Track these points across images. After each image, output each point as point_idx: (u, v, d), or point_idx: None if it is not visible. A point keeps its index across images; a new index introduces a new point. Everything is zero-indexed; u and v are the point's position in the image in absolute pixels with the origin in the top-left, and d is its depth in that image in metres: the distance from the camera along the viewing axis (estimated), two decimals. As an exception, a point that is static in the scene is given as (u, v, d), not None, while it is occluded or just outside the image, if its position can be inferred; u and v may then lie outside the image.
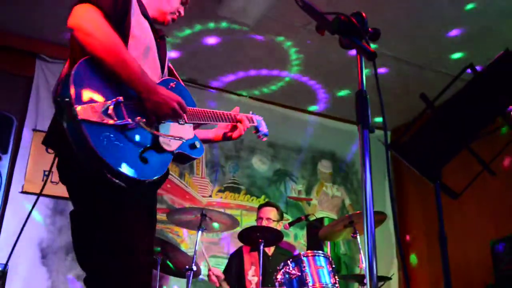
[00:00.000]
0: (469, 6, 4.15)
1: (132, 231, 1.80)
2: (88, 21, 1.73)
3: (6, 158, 3.62)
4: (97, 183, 1.71)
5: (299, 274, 3.29)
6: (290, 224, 4.35)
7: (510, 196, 4.84)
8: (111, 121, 1.65)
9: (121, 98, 1.72)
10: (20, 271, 4.14)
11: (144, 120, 1.77)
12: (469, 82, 1.43)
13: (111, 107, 1.67)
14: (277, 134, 5.76)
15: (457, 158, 1.73)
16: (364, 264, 3.74)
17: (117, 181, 1.70)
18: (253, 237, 3.59)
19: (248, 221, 4.97)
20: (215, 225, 3.65)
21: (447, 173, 1.91)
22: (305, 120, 6.02)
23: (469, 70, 1.48)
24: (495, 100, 1.46)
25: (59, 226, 4.52)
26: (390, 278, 4.37)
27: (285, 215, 5.22)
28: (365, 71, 1.38)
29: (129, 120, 1.70)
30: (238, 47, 4.84)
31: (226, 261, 4.42)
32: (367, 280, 1.35)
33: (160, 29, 2.16)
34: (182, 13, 2.20)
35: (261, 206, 4.40)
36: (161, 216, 4.87)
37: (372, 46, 1.34)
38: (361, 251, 3.79)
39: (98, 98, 1.66)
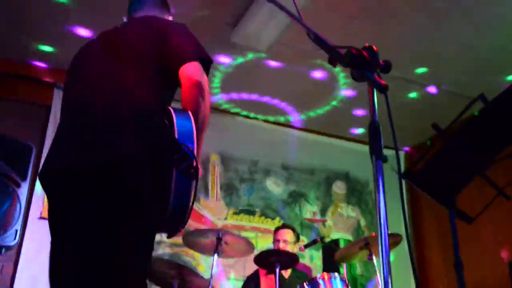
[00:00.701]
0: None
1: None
2: (206, 85, 1.87)
3: (25, 185, 3.67)
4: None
5: (316, 297, 3.29)
6: (306, 246, 4.33)
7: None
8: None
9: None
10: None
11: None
12: (481, 111, 1.44)
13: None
14: (292, 156, 5.79)
15: (471, 183, 1.74)
16: (380, 286, 3.72)
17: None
18: (269, 260, 3.58)
19: (263, 243, 4.97)
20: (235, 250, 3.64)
21: (462, 197, 1.91)
22: (319, 142, 6.03)
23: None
24: (507, 128, 1.47)
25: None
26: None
27: (303, 239, 5.22)
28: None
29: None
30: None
31: (240, 282, 4.42)
32: None
33: None
34: None
35: (277, 229, 4.40)
36: (177, 239, 4.90)
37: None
38: (377, 273, 3.78)
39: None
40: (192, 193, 1.69)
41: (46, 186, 1.80)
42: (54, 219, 1.81)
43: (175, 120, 1.71)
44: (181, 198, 1.69)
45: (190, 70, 1.85)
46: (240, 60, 4.68)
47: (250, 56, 4.59)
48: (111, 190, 1.69)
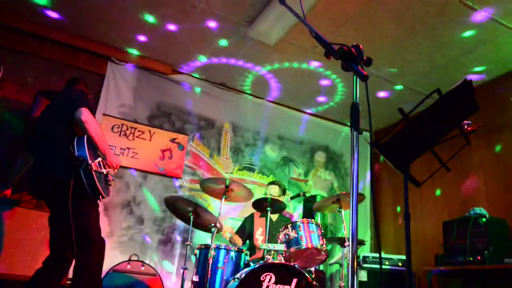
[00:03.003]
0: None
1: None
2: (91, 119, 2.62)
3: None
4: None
5: (296, 235, 3.35)
6: (291, 198, 4.42)
7: (459, 188, 4.86)
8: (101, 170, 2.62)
9: (100, 158, 2.63)
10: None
11: (108, 169, 2.72)
12: (436, 102, 1.47)
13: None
14: (286, 129, 5.83)
15: (422, 156, 1.78)
16: (346, 231, 3.80)
17: (100, 197, 2.62)
18: (263, 205, 3.65)
19: (259, 193, 5.04)
20: (238, 196, 3.70)
21: (414, 166, 1.96)
22: (308, 119, 6.05)
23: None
24: (454, 116, 1.50)
25: (117, 188, 4.63)
26: (364, 243, 4.43)
27: (287, 191, 5.29)
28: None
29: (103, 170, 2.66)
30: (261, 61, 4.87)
31: (240, 221, 4.51)
32: (349, 242, 1.40)
33: None
34: None
35: (268, 184, 4.48)
36: (195, 185, 4.98)
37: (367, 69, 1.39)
38: (344, 222, 3.84)
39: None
40: (94, 177, 2.48)
41: None
42: None
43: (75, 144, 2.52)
44: (90, 182, 2.47)
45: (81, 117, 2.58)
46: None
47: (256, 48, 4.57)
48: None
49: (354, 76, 1.44)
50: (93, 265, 2.41)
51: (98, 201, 2.65)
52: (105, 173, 2.61)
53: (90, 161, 2.42)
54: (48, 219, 2.57)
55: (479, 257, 3.81)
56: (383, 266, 4.61)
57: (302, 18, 1.66)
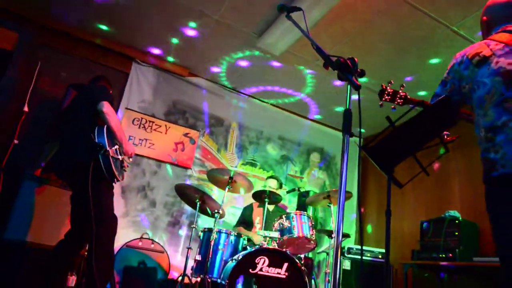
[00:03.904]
0: (433, 60, 4.12)
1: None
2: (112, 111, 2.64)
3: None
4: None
5: (289, 225, 3.35)
6: (288, 192, 4.40)
7: (437, 191, 4.83)
8: (118, 156, 2.63)
9: (117, 146, 2.64)
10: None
11: (123, 156, 2.73)
12: (420, 112, 1.46)
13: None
14: (286, 131, 5.81)
15: (405, 161, 1.77)
16: (334, 224, 3.80)
17: (115, 180, 2.62)
18: (262, 197, 3.65)
19: (259, 186, 5.03)
20: (240, 188, 3.69)
21: (397, 170, 1.95)
22: (306, 124, 6.03)
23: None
24: (435, 126, 1.49)
25: (135, 174, 4.64)
26: (349, 236, 4.42)
27: (284, 185, 5.29)
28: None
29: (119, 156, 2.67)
30: (266, 70, 4.86)
31: (240, 210, 4.51)
32: (335, 234, 1.40)
33: None
34: None
35: (267, 178, 4.47)
36: (203, 175, 4.98)
37: (360, 80, 1.39)
38: (333, 216, 3.84)
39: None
40: (111, 162, 2.50)
41: None
42: None
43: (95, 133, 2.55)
44: (107, 166, 2.49)
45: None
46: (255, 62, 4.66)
47: (263, 57, 4.56)
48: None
49: (348, 86, 1.43)
50: (107, 239, 2.43)
51: (113, 184, 2.66)
52: (120, 159, 2.64)
53: (108, 148, 2.44)
54: (70, 197, 2.58)
55: (450, 254, 3.79)
56: (365, 258, 4.59)
57: (306, 32, 1.65)
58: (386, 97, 1.82)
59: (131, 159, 2.85)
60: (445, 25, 3.54)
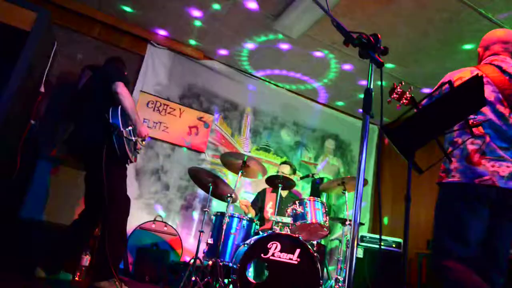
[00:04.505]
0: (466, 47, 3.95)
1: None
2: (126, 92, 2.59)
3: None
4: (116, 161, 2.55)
5: (302, 211, 3.30)
6: (301, 178, 4.34)
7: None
8: (131, 137, 2.59)
9: (131, 127, 2.59)
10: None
11: (137, 137, 2.67)
12: (446, 94, 1.37)
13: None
14: (301, 117, 5.72)
15: (422, 148, 1.68)
16: (349, 212, 3.73)
17: (128, 161, 2.58)
18: (275, 182, 3.60)
19: (273, 172, 4.99)
20: (253, 172, 3.63)
21: (416, 154, 1.86)
22: (321, 110, 5.92)
23: (447, 86, 1.42)
24: (462, 108, 1.40)
25: (149, 157, 4.65)
26: (363, 224, 4.34)
27: (297, 172, 5.22)
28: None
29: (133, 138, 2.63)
30: (281, 54, 4.75)
31: (253, 195, 4.48)
32: (352, 222, 1.34)
33: None
34: None
35: (280, 163, 4.41)
36: (216, 160, 4.96)
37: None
38: (347, 203, 3.77)
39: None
40: (124, 142, 2.47)
41: None
42: None
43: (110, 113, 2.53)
44: (120, 146, 2.45)
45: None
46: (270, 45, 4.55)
47: (280, 40, 4.45)
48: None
49: (370, 64, 1.35)
50: (119, 219, 2.42)
51: (126, 165, 2.65)
52: (134, 140, 2.61)
53: (121, 128, 2.41)
54: (84, 177, 2.58)
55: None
56: (378, 246, 4.52)
57: (326, 8, 1.56)
58: (395, 95, 1.79)
59: (144, 142, 2.82)
60: (471, 7, 3.36)
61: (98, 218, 2.50)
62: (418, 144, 1.44)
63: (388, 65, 4.49)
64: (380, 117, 1.35)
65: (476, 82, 1.31)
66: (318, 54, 4.59)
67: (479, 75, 1.31)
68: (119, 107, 2.51)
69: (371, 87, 1.31)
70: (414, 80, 4.72)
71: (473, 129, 1.65)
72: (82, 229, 2.47)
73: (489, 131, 1.72)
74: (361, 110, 5.77)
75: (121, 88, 2.49)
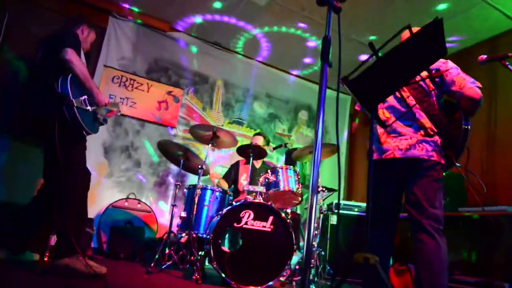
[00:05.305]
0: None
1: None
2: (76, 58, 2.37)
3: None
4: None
5: (275, 179, 3.27)
6: (274, 148, 4.29)
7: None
8: (86, 107, 2.42)
9: (85, 96, 2.43)
10: (90, 162, 4.17)
11: (95, 107, 2.50)
12: (406, 39, 1.32)
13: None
14: (273, 89, 5.64)
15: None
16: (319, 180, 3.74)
17: (84, 132, 2.44)
18: (246, 152, 3.55)
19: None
20: (224, 140, 3.56)
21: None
22: (294, 81, 5.85)
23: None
24: (423, 56, 1.36)
25: (117, 134, 4.50)
26: (336, 190, 4.38)
27: (271, 144, 5.19)
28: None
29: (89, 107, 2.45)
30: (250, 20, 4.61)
31: (227, 168, 4.44)
32: (310, 188, 1.31)
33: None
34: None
35: (253, 135, 4.36)
36: (188, 135, 4.85)
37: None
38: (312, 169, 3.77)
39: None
40: (76, 113, 2.30)
41: None
42: None
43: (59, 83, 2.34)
44: (72, 117, 2.30)
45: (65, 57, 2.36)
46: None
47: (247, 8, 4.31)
48: None
49: (330, 12, 1.28)
50: (76, 192, 2.31)
51: (84, 137, 2.51)
52: (90, 110, 2.45)
53: (71, 98, 2.27)
54: (43, 152, 2.44)
55: (436, 206, 3.78)
56: (352, 212, 4.60)
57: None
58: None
59: (109, 113, 2.66)
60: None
61: (57, 194, 2.38)
62: (380, 97, 1.40)
63: (371, 37, 4.44)
64: (338, 68, 1.30)
65: (436, 26, 1.26)
66: (287, 21, 4.48)
67: (438, 20, 1.26)
68: (69, 76, 2.33)
69: (329, 35, 1.25)
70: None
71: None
72: (41, 206, 2.34)
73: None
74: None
75: (69, 54, 2.30)
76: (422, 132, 1.92)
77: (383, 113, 2.00)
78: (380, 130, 2.02)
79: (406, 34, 1.86)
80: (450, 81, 1.90)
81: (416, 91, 1.90)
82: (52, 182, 2.32)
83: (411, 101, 1.94)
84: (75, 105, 2.29)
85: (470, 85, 1.87)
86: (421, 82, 1.77)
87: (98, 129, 2.61)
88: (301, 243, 4.10)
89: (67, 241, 2.14)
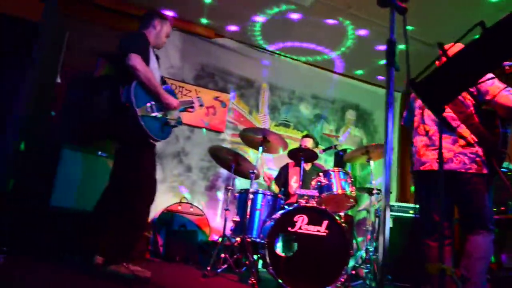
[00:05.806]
0: None
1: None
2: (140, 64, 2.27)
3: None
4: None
5: (328, 182, 3.23)
6: (324, 150, 4.24)
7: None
8: (153, 114, 2.34)
9: (153, 102, 2.35)
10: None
11: (163, 112, 2.41)
12: (478, 38, 1.24)
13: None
14: (319, 89, 5.57)
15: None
16: (376, 181, 3.64)
17: (151, 141, 2.39)
18: (297, 155, 3.53)
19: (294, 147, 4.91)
20: (274, 144, 3.56)
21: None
22: (339, 80, 5.74)
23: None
24: (497, 53, 1.26)
25: (168, 141, 4.62)
26: (390, 192, 4.24)
27: (319, 145, 5.12)
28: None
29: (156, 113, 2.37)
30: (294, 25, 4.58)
31: (276, 171, 4.43)
32: (383, 191, 1.27)
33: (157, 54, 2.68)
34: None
35: (302, 137, 4.33)
36: (236, 139, 4.91)
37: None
38: (372, 172, 3.66)
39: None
40: (140, 121, 2.23)
41: None
42: None
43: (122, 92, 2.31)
44: (135, 126, 2.23)
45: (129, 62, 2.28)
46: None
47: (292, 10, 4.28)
48: None
49: (391, 12, 1.23)
50: (139, 204, 2.32)
51: (152, 145, 2.48)
52: (159, 116, 2.35)
53: (135, 107, 2.18)
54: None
55: (502, 208, 3.54)
56: (407, 215, 4.41)
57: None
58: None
59: (180, 111, 2.58)
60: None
61: (123, 202, 2.45)
62: (448, 98, 1.33)
63: (409, 27, 4.26)
64: (407, 71, 1.24)
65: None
66: (330, 21, 4.40)
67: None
68: (134, 83, 2.22)
69: (394, 37, 1.20)
70: (438, 40, 4.47)
71: None
72: (106, 210, 2.41)
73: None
74: (381, 77, 5.56)
75: (132, 60, 2.17)
76: (462, 142, 2.05)
77: (424, 127, 2.19)
78: (420, 143, 2.23)
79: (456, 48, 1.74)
80: (484, 91, 2.02)
81: (453, 103, 1.98)
82: (118, 190, 2.38)
83: (448, 113, 2.06)
84: (139, 114, 2.22)
85: (503, 93, 1.95)
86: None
87: (170, 133, 2.52)
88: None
89: (115, 248, 2.19)
